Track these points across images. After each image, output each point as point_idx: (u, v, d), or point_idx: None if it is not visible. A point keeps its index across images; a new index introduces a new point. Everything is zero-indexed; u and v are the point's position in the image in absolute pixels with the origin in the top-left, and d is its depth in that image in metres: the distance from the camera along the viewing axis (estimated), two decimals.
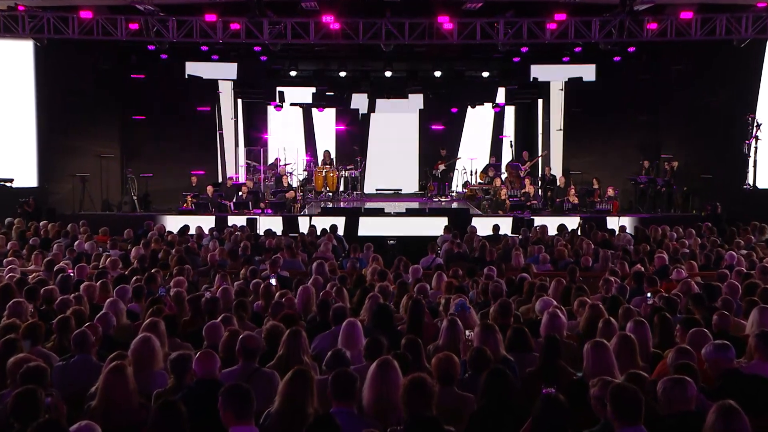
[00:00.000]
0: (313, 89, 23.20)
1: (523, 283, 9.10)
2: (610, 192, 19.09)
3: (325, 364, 5.39)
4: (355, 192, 22.22)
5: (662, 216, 18.05)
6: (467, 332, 6.15)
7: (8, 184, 18.19)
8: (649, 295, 8.14)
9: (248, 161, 22.35)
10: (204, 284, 10.09)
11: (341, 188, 22.20)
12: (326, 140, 24.11)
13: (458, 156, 22.95)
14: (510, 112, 24.75)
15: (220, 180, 21.23)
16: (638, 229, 15.44)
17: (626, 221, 17.29)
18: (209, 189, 19.11)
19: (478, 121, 24.27)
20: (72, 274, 9.70)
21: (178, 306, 8.01)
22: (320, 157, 22.64)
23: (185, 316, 7.58)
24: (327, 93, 23.27)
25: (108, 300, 7.72)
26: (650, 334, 6.27)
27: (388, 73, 21.28)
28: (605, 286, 8.94)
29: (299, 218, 18.05)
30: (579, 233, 14.96)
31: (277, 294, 8.36)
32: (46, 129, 18.87)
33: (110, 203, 20.18)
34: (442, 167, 22.30)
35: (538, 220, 17.04)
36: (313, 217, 17.83)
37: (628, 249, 12.63)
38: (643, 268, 10.40)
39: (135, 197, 19.82)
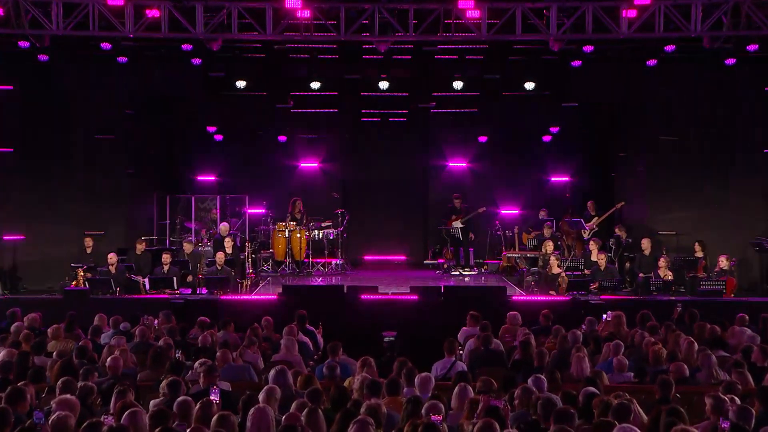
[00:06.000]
0: (271, 107, 23.42)
1: (590, 402, 9.06)
2: (723, 263, 19.07)
3: None
4: (334, 262, 22.25)
5: None
6: None
7: None
8: None
9: (173, 216, 22.38)
10: (103, 405, 10.02)
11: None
12: (290, 184, 24.19)
13: (482, 207, 22.89)
14: (567, 141, 24.96)
15: (128, 245, 21.25)
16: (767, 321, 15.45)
17: (748, 308, 17.26)
18: (112, 258, 19.09)
19: (518, 154, 24.40)
20: None
21: None
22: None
23: None
24: (292, 111, 23.47)
25: None
26: None
27: (383, 85, 21.50)
28: (717, 408, 8.89)
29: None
30: (675, 326, 14.95)
31: (216, 417, 8.30)
32: None
33: None
34: (458, 224, 22.34)
35: (611, 306, 17.01)
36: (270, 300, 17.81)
37: (752, 350, 12.59)
38: None
39: None
